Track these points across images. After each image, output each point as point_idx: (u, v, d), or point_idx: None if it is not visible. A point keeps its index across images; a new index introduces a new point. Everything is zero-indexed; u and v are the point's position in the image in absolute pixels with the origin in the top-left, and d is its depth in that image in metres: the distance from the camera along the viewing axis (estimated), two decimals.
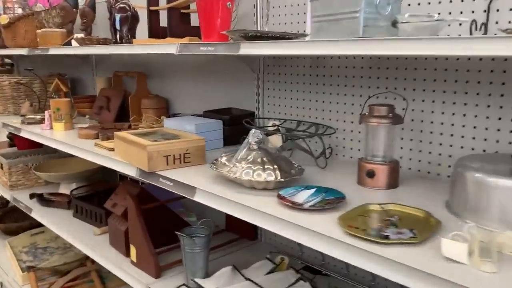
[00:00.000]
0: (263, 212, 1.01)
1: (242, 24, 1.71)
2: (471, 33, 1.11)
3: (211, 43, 1.24)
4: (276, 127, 1.51)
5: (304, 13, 1.51)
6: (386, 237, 0.85)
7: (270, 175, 1.13)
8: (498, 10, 1.09)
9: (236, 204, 1.08)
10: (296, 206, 1.02)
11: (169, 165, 1.34)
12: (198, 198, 1.19)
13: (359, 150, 1.43)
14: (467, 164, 0.98)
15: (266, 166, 1.15)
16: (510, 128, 1.10)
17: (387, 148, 1.18)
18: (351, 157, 1.46)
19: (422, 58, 1.25)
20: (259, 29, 1.63)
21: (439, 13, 1.19)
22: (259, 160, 1.16)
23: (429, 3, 1.21)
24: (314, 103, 1.53)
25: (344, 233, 0.88)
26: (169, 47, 1.35)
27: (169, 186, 1.28)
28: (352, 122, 1.44)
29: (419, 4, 1.24)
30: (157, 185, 1.32)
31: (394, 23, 1.02)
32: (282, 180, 1.13)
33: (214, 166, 1.22)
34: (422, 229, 0.89)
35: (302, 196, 1.07)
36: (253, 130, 1.22)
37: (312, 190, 1.10)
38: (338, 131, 1.48)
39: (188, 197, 1.21)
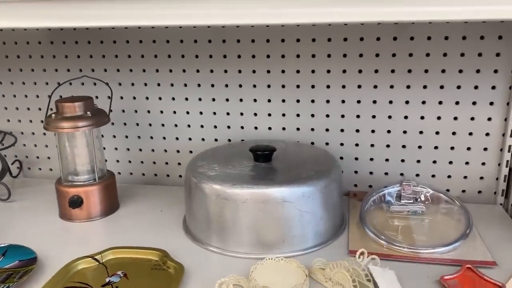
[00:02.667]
0: None
1: None
2: None
3: None
4: None
5: None
6: None
7: None
8: None
9: None
10: None
11: None
12: None
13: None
14: (201, 171, 0.73)
15: None
16: (241, 110, 0.92)
17: (94, 160, 0.83)
18: (51, 169, 1.05)
19: (133, 28, 0.92)
20: None
21: None
22: None
23: None
24: None
25: None
26: None
27: None
28: (42, 121, 1.01)
29: None
30: None
31: None
32: None
33: None
34: (161, 285, 0.60)
35: None
36: None
37: None
38: (24, 136, 1.03)
39: None
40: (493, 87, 0.80)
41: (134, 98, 0.95)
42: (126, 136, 0.98)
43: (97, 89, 0.95)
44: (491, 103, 0.81)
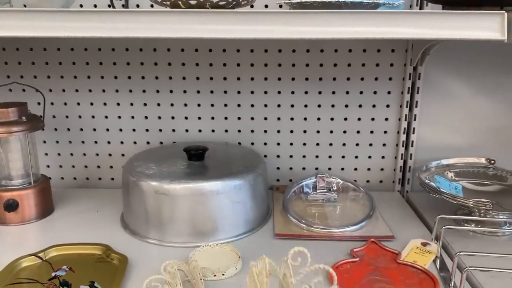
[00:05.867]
0: None
1: None
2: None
3: None
4: None
5: None
6: None
7: None
8: None
9: None
10: None
11: None
12: None
13: None
14: (139, 170, 0.79)
15: None
16: (172, 114, 0.98)
17: (29, 164, 0.84)
18: None
19: None
20: None
21: None
22: None
23: None
24: None
25: None
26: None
27: None
28: None
29: None
30: None
31: None
32: None
33: None
34: (108, 276, 0.65)
35: None
36: None
37: None
38: None
39: None
40: (389, 92, 0.95)
41: (65, 104, 0.98)
42: (57, 141, 1.00)
43: (26, 95, 0.96)
44: (388, 106, 0.96)
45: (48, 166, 1.02)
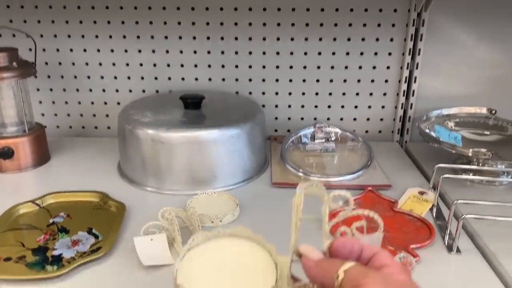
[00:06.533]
0: None
1: None
2: None
3: None
4: None
5: None
6: (59, 261, 0.57)
7: None
8: None
9: None
10: None
11: None
12: None
13: None
14: (135, 118, 0.78)
15: None
16: (168, 61, 0.96)
17: (22, 111, 0.83)
18: None
19: None
20: None
21: None
22: None
23: None
24: None
25: None
26: None
27: None
28: None
29: None
30: None
31: None
32: None
33: None
34: (106, 223, 0.65)
35: None
36: None
37: None
38: None
39: None
40: (391, 39, 0.92)
41: (58, 50, 0.95)
42: (51, 89, 0.98)
43: (16, 41, 0.93)
44: (390, 54, 0.94)
45: (43, 115, 1.00)
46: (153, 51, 0.94)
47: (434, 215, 0.69)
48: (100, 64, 0.96)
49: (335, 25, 0.91)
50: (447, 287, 0.55)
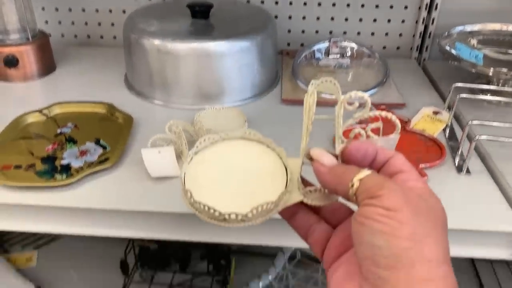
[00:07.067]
0: None
1: None
2: None
3: None
4: None
5: None
6: (68, 170, 0.58)
7: None
8: None
9: None
10: None
11: None
12: None
13: None
14: (140, 27, 0.74)
15: None
16: None
17: (25, 18, 0.79)
18: None
19: None
20: None
21: None
22: None
23: None
24: None
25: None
26: None
27: None
28: None
29: None
30: None
31: None
32: None
33: None
34: (113, 135, 0.65)
35: None
36: None
37: None
38: None
39: None
40: None
41: None
42: None
43: None
44: None
45: (46, 22, 0.96)
46: None
47: (447, 135, 0.67)
48: None
49: None
50: (454, 206, 0.54)
